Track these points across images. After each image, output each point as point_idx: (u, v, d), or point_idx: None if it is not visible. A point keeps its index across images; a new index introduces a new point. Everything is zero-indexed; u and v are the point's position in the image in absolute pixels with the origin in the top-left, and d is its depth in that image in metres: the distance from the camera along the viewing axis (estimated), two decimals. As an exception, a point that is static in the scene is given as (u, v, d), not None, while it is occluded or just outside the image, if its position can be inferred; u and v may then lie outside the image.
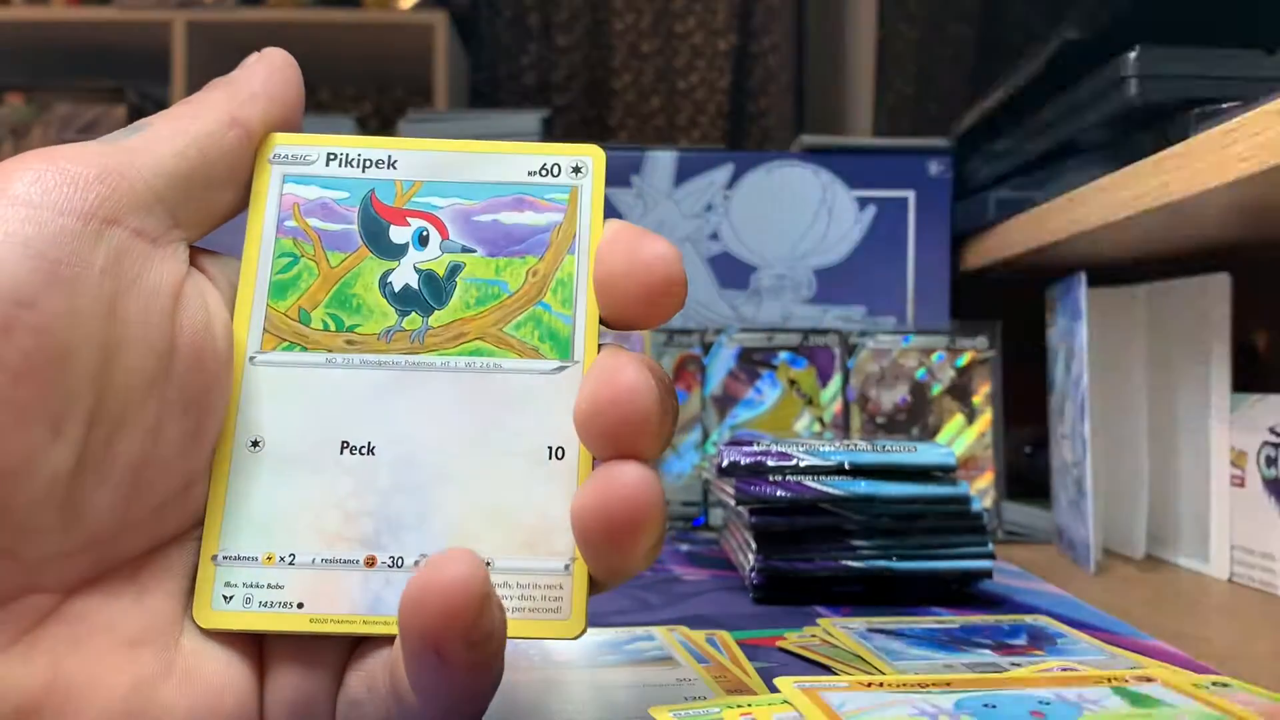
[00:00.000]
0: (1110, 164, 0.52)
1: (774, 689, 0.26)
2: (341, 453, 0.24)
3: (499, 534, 0.24)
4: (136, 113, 1.73)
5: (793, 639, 0.37)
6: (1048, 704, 0.25)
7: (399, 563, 0.24)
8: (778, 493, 0.44)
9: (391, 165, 0.26)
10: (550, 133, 1.22)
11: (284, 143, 0.26)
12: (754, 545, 0.44)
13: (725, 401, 0.67)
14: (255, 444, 0.24)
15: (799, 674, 0.33)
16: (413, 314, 0.25)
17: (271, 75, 0.26)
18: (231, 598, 0.23)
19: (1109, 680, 0.26)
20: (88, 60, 1.85)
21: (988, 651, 0.34)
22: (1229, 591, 0.49)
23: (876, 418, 0.67)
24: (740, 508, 0.46)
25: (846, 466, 0.44)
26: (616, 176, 0.75)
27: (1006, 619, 0.39)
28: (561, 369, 0.25)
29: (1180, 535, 0.56)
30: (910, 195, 0.74)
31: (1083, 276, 0.55)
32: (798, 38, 1.96)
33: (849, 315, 0.74)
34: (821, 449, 0.45)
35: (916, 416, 0.66)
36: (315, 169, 0.26)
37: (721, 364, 0.68)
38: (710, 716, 0.25)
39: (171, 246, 0.23)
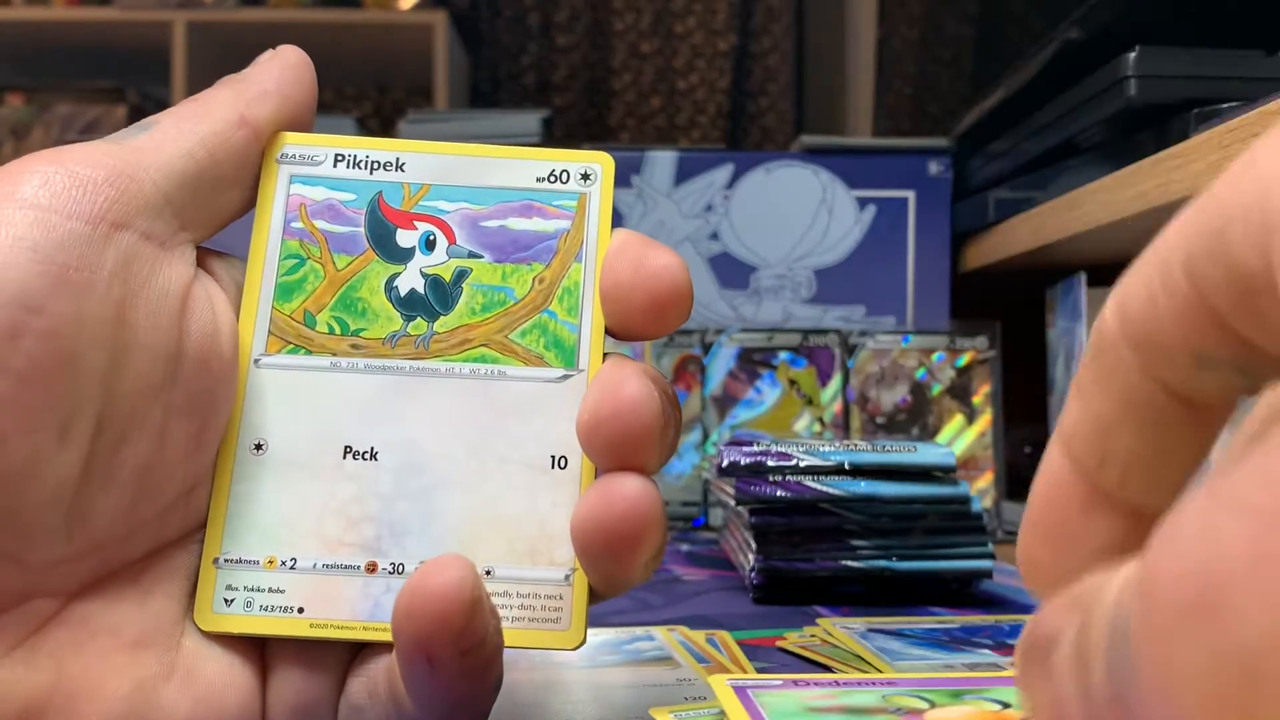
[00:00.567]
0: (1110, 164, 0.52)
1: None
2: (344, 458, 0.24)
3: (500, 542, 0.24)
4: (137, 113, 1.73)
5: (793, 639, 0.37)
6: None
7: (400, 569, 0.24)
8: (778, 493, 0.44)
9: (400, 168, 0.26)
10: (550, 133, 1.22)
11: (292, 142, 0.26)
12: (754, 545, 0.44)
13: (725, 401, 0.67)
14: (258, 447, 0.24)
15: (799, 674, 0.33)
16: (418, 319, 0.25)
17: (284, 73, 0.25)
18: (232, 601, 0.23)
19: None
20: (88, 60, 1.85)
21: (988, 651, 0.34)
22: (1229, 591, 0.49)
23: (876, 418, 0.67)
24: (740, 508, 0.46)
25: (846, 466, 0.44)
26: (617, 177, 0.75)
27: (1006, 619, 0.39)
28: (566, 378, 0.25)
29: (1180, 535, 0.56)
30: (910, 195, 0.74)
31: (1083, 277, 0.55)
32: (798, 38, 1.96)
33: (849, 315, 0.74)
34: (821, 449, 0.45)
35: (916, 416, 0.66)
36: (323, 170, 0.26)
37: (721, 364, 0.68)
38: (710, 717, 0.25)
39: (179, 249, 0.23)
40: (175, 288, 0.23)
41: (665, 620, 0.40)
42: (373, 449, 0.24)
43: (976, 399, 0.66)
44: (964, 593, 0.45)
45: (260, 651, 0.24)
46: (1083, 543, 0.16)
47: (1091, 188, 0.52)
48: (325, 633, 0.23)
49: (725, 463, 0.45)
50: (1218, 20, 0.55)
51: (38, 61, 1.88)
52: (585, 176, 0.26)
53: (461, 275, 0.25)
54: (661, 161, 0.75)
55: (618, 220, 0.68)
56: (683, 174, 0.75)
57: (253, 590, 0.23)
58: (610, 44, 1.98)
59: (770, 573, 0.44)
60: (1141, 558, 0.11)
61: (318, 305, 0.25)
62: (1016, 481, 0.72)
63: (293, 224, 0.26)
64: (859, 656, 0.34)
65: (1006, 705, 0.24)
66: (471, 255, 0.25)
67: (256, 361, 0.25)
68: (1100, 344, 0.15)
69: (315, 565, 0.24)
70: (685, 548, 0.58)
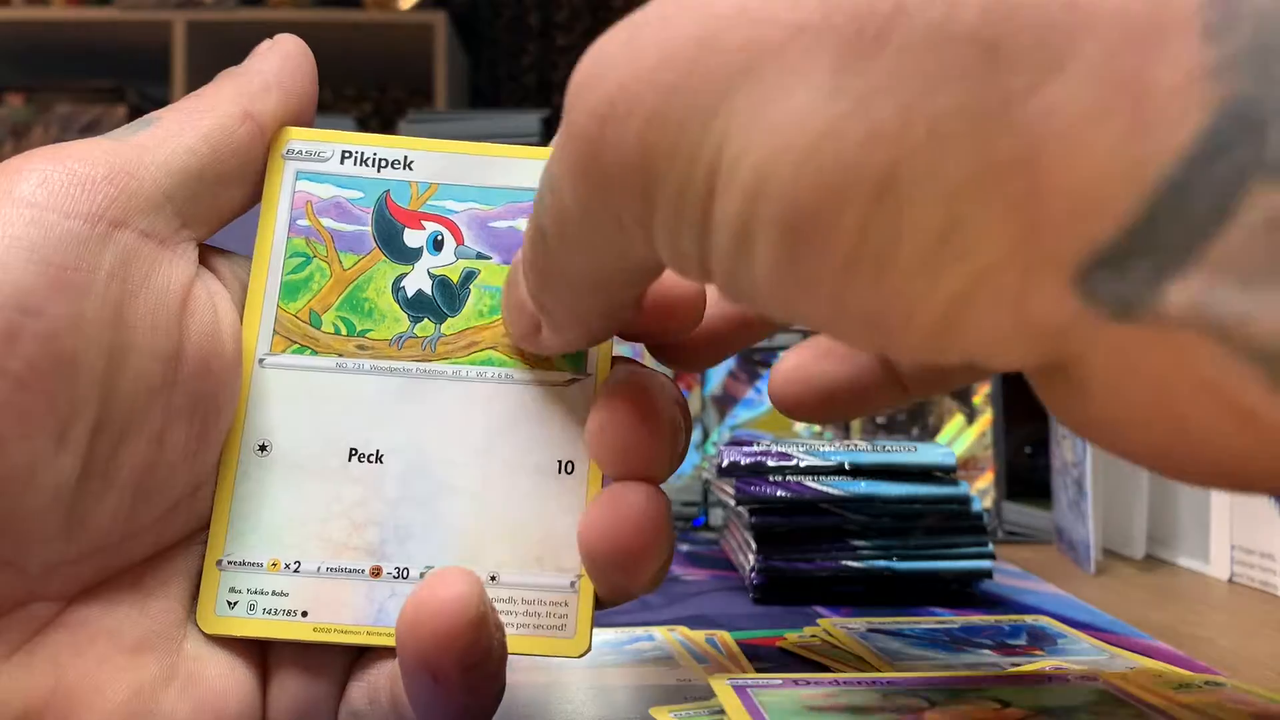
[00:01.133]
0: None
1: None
2: (349, 460, 0.24)
3: (506, 548, 0.24)
4: (137, 113, 1.73)
5: (793, 639, 0.37)
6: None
7: (404, 574, 0.23)
8: (778, 493, 0.44)
9: (407, 166, 0.26)
10: (550, 133, 1.22)
11: (298, 138, 0.25)
12: (754, 545, 0.44)
13: (725, 401, 0.67)
14: (262, 448, 0.24)
15: (799, 673, 0.33)
16: (425, 320, 0.25)
17: (285, 65, 0.25)
18: (235, 604, 0.23)
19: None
20: (88, 60, 1.85)
21: (988, 651, 0.34)
22: (1229, 591, 0.50)
23: (876, 418, 0.67)
24: (740, 508, 0.46)
25: (846, 466, 0.44)
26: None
27: (1006, 619, 0.39)
28: (574, 381, 0.24)
29: (1180, 535, 0.56)
30: (910, 195, 0.74)
31: (1082, 276, 0.55)
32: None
33: (849, 315, 0.74)
34: (821, 449, 0.45)
35: (916, 416, 0.66)
36: (330, 166, 0.26)
37: (722, 364, 0.68)
38: (711, 717, 0.25)
39: (180, 247, 0.23)
40: (175, 287, 0.22)
41: (665, 620, 0.40)
42: (378, 452, 0.24)
43: (976, 399, 0.66)
44: (964, 593, 0.45)
45: (261, 655, 0.24)
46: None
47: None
48: (328, 637, 0.23)
49: (725, 463, 0.45)
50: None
51: (38, 61, 1.88)
52: None
53: (469, 276, 0.25)
54: (661, 161, 0.75)
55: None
56: (683, 174, 0.75)
57: (256, 593, 0.23)
58: (610, 44, 1.97)
59: (770, 573, 0.44)
60: None
61: (323, 305, 0.25)
62: (1016, 481, 0.72)
63: (299, 221, 0.25)
64: (859, 656, 0.34)
65: (1007, 704, 0.24)
66: (480, 256, 0.25)
67: (261, 361, 0.24)
68: (542, 250, 0.21)
69: (319, 569, 0.24)
70: (685, 548, 0.58)
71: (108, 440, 0.21)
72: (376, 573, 0.24)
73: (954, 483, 0.45)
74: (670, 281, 0.23)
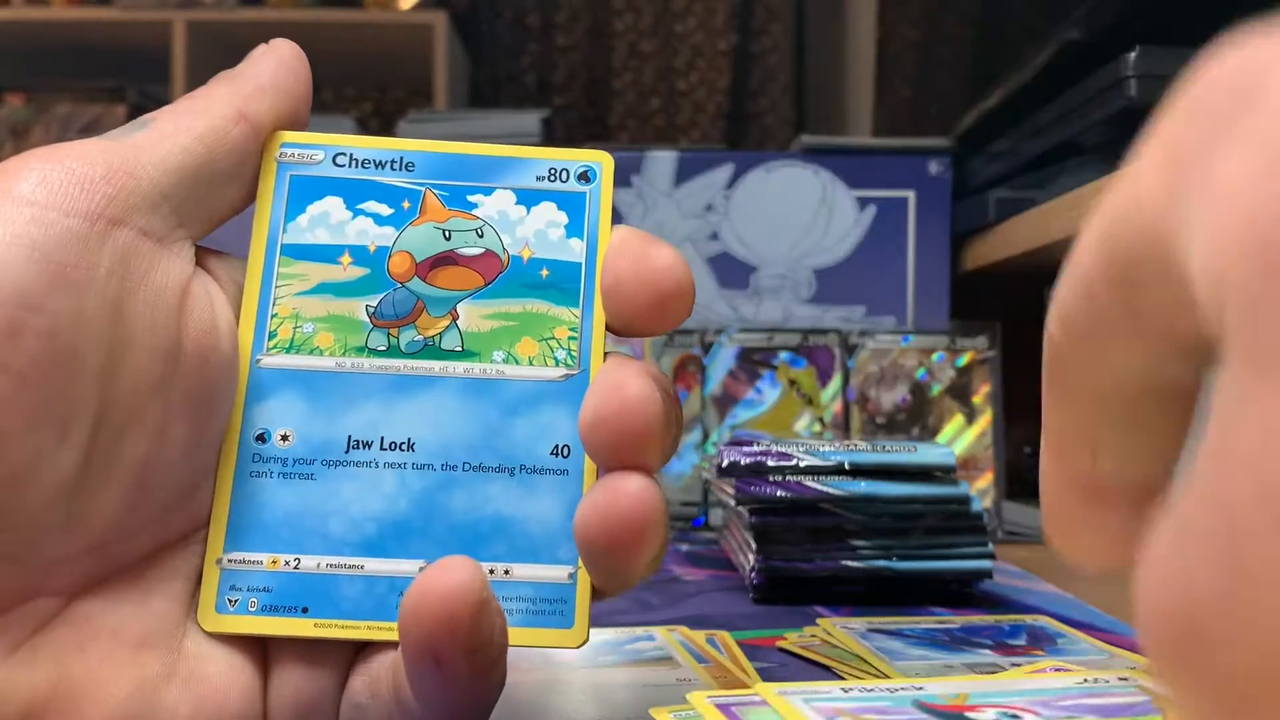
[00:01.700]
0: (1110, 164, 0.52)
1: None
2: (347, 457, 0.24)
3: (503, 541, 0.24)
4: (136, 113, 1.72)
5: (793, 639, 0.37)
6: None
7: (403, 568, 0.24)
8: (778, 493, 0.44)
9: (405, 168, 0.26)
10: (550, 133, 1.22)
11: (291, 141, 0.26)
12: (754, 545, 0.44)
13: (725, 401, 0.67)
14: (260, 447, 0.24)
15: (799, 674, 0.33)
16: (424, 318, 0.25)
17: (279, 67, 0.25)
18: (236, 601, 0.23)
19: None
20: (88, 60, 1.85)
21: (988, 651, 0.34)
22: (1229, 591, 0.49)
23: (876, 418, 0.67)
24: (740, 508, 0.46)
25: (846, 466, 0.44)
26: (617, 177, 0.75)
27: (1006, 619, 0.39)
28: (568, 377, 0.25)
29: (1180, 535, 0.56)
30: (910, 195, 0.74)
31: (1083, 276, 0.55)
32: (798, 38, 1.96)
33: (849, 315, 0.74)
34: (821, 449, 0.45)
35: (916, 416, 0.66)
36: (322, 169, 0.26)
37: (721, 364, 0.68)
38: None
39: (177, 246, 0.23)
40: (173, 284, 0.23)
41: (665, 620, 0.40)
42: (375, 449, 0.24)
43: (976, 399, 0.66)
44: (964, 593, 0.45)
45: (262, 651, 0.24)
46: (1099, 530, 0.16)
47: (1092, 188, 0.52)
48: (329, 632, 0.23)
49: (725, 463, 0.45)
50: (1218, 20, 0.55)
51: (38, 61, 1.88)
52: (585, 175, 0.26)
53: None
54: (661, 161, 0.75)
55: (617, 220, 0.68)
56: (683, 174, 0.75)
57: (256, 590, 0.23)
58: (610, 44, 1.98)
59: (770, 573, 0.44)
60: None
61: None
62: (1016, 481, 0.72)
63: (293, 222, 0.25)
64: (859, 656, 0.34)
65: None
66: None
67: (257, 361, 0.24)
68: (1051, 358, 0.15)
69: (318, 565, 0.24)
70: (685, 548, 0.58)
71: (108, 435, 0.21)
72: (376, 567, 0.24)
73: (954, 483, 0.45)
74: (666, 275, 0.23)
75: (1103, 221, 0.13)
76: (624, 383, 0.22)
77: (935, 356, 0.67)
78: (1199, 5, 0.55)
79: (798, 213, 0.74)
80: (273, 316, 0.25)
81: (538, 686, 0.30)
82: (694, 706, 0.25)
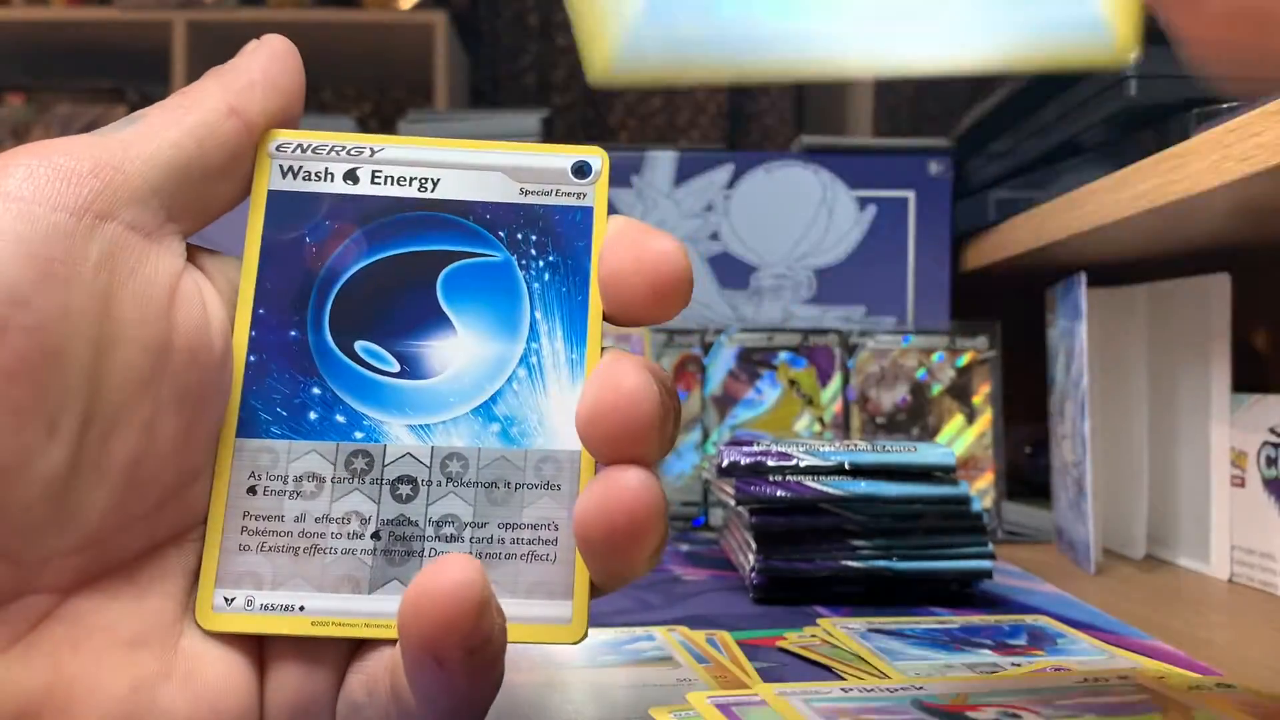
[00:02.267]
0: (1110, 164, 0.52)
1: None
2: (345, 457, 0.24)
3: (501, 537, 0.24)
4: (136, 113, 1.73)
5: (793, 639, 0.37)
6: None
7: (402, 566, 0.24)
8: (778, 493, 0.44)
9: (399, 164, 0.26)
10: (550, 133, 1.22)
11: (284, 137, 0.26)
12: (754, 545, 0.44)
13: (725, 401, 0.67)
14: (258, 446, 0.24)
15: (799, 674, 0.33)
16: None
17: (271, 63, 0.25)
18: (233, 600, 0.23)
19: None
20: (88, 60, 1.85)
21: (988, 651, 0.34)
22: (1229, 591, 0.49)
23: (876, 418, 0.67)
24: (740, 508, 0.46)
25: (846, 466, 0.44)
26: (617, 176, 0.75)
27: (1006, 619, 0.39)
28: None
29: (1180, 535, 0.56)
30: (910, 195, 0.74)
31: (1083, 276, 0.55)
32: (798, 38, 1.95)
33: (849, 315, 0.74)
34: (821, 449, 0.45)
35: (916, 416, 0.66)
36: (316, 165, 0.26)
37: (721, 364, 0.68)
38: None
39: (167, 240, 0.23)
40: (162, 279, 0.22)
41: (665, 620, 0.40)
42: (373, 448, 0.24)
43: (976, 399, 0.66)
44: (964, 593, 0.45)
45: (258, 650, 0.24)
46: None
47: (1091, 188, 0.52)
48: (327, 630, 0.23)
49: (725, 463, 0.45)
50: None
51: (38, 61, 1.88)
52: (581, 171, 0.26)
53: None
54: (661, 161, 0.75)
55: (618, 220, 0.68)
56: (683, 174, 0.75)
57: (253, 589, 0.23)
58: (610, 44, 1.97)
59: (770, 573, 0.44)
60: None
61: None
62: (1016, 481, 0.72)
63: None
64: (859, 657, 0.34)
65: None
66: None
67: (253, 359, 0.24)
68: None
69: (316, 564, 0.24)
70: (685, 548, 0.58)
71: (97, 431, 0.21)
72: (373, 566, 0.24)
73: (954, 483, 0.45)
74: (664, 263, 0.23)
75: None
76: (621, 375, 0.22)
77: (935, 356, 0.67)
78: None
79: (798, 213, 0.74)
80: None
81: (538, 686, 0.30)
82: (694, 706, 0.25)
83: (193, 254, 0.24)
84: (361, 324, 0.25)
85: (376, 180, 0.26)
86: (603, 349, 0.25)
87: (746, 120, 1.96)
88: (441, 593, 0.20)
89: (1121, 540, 0.57)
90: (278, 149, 0.26)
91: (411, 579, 0.21)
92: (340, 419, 0.24)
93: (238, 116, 0.24)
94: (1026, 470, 0.74)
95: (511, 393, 0.25)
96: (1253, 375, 0.57)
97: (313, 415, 0.24)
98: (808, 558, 0.44)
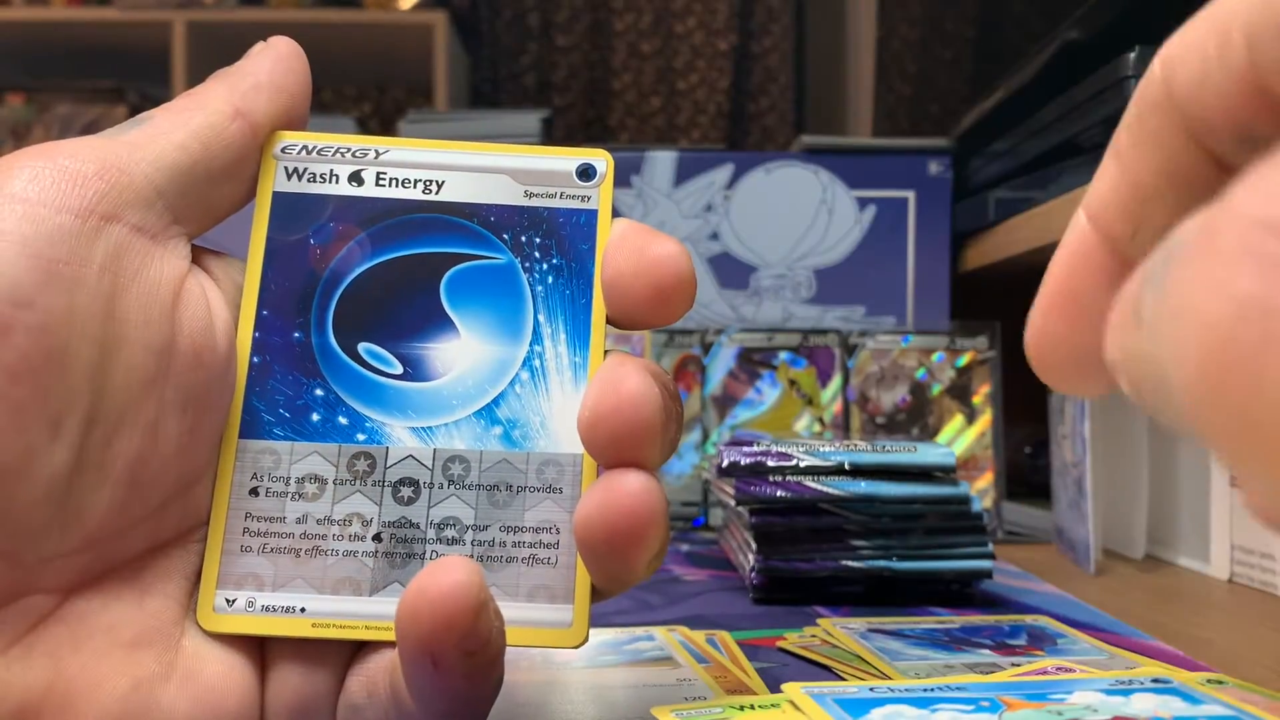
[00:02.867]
0: (1110, 164, 0.52)
1: (775, 690, 0.26)
2: (347, 459, 0.24)
3: (501, 540, 0.24)
4: (136, 113, 1.73)
5: (793, 639, 0.37)
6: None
7: (403, 568, 0.24)
8: (778, 493, 0.44)
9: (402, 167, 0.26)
10: (550, 133, 1.22)
11: (289, 139, 0.26)
12: (754, 545, 0.44)
13: (725, 401, 0.67)
14: (260, 447, 0.24)
15: (799, 674, 0.33)
16: None
17: (277, 65, 0.25)
18: (234, 601, 0.23)
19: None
20: (88, 60, 1.85)
21: (988, 651, 0.34)
22: (1229, 591, 0.50)
23: (876, 418, 0.67)
24: (740, 508, 0.46)
25: (846, 466, 0.44)
26: (616, 177, 0.75)
27: (1006, 619, 0.39)
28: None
29: (1180, 535, 0.56)
30: (910, 195, 0.74)
31: (1083, 276, 0.55)
32: (798, 38, 1.96)
33: (849, 315, 0.74)
34: (821, 449, 0.45)
35: (916, 416, 0.66)
36: (321, 168, 0.26)
37: (721, 364, 0.68)
38: (712, 716, 0.25)
39: (172, 242, 0.23)
40: (167, 281, 0.23)
41: (665, 620, 0.40)
42: (375, 450, 0.24)
43: (976, 399, 0.66)
44: (964, 593, 0.45)
45: (259, 651, 0.24)
46: (1104, 316, 0.14)
47: (1091, 188, 0.52)
48: (327, 632, 0.23)
49: (725, 463, 0.45)
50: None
51: (38, 61, 1.88)
52: (586, 173, 0.26)
53: None
54: (661, 161, 0.75)
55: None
56: (683, 174, 0.75)
57: (254, 590, 0.23)
58: (610, 44, 1.98)
59: (770, 573, 0.44)
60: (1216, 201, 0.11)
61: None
62: (1016, 481, 0.72)
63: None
64: (859, 656, 0.34)
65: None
66: None
67: (256, 361, 0.24)
68: (1144, 106, 0.14)
69: (317, 565, 0.24)
70: (685, 548, 0.58)
71: (101, 432, 0.21)
72: (375, 569, 0.24)
73: (954, 483, 0.45)
74: (667, 267, 0.23)
75: None
76: (623, 379, 0.22)
77: (935, 356, 0.67)
78: (1198, 5, 0.55)
79: (798, 213, 0.74)
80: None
81: (538, 686, 0.30)
82: (694, 707, 0.25)
83: (198, 256, 0.24)
84: (365, 326, 0.25)
85: (381, 182, 0.26)
86: (606, 352, 0.25)
87: (746, 120, 1.96)
88: (438, 595, 0.20)
89: (1121, 540, 0.58)
90: (283, 150, 0.26)
91: (412, 581, 0.21)
92: (343, 421, 0.24)
93: (243, 119, 0.24)
94: (1026, 470, 0.74)
95: (514, 395, 0.25)
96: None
97: (315, 417, 0.24)
98: (807, 558, 0.44)
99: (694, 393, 0.67)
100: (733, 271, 0.75)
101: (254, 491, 0.24)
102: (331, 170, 0.26)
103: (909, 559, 0.44)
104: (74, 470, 0.21)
